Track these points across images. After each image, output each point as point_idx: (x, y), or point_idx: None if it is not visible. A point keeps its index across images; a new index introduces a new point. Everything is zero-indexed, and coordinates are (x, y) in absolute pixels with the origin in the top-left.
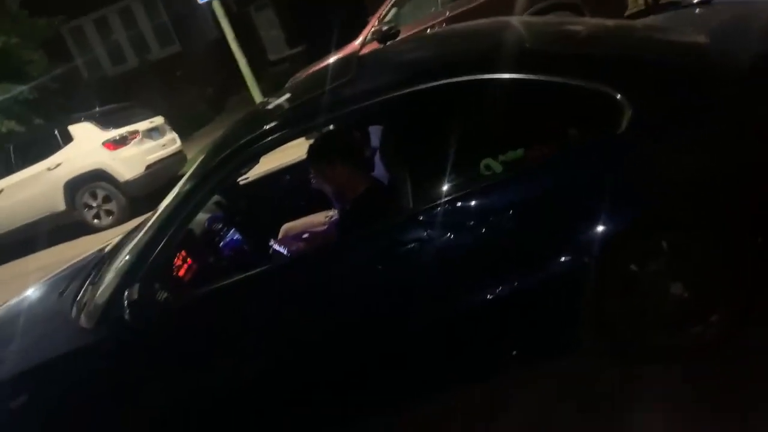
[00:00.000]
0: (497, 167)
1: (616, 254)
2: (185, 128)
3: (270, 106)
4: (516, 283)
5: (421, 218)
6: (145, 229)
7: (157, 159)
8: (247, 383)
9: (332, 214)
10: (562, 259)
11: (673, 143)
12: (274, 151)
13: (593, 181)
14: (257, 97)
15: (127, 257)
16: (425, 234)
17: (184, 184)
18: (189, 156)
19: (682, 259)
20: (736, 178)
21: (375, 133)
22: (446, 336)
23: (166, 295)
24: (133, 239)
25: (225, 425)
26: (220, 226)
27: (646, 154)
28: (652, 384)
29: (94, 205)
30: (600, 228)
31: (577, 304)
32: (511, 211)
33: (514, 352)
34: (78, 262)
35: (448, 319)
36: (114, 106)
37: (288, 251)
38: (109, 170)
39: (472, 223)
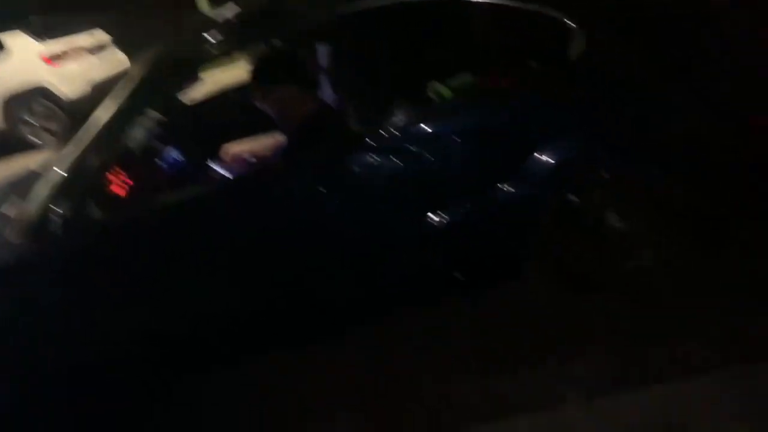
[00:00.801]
0: (446, 92)
1: (559, 183)
2: (132, 47)
3: (214, 19)
4: (461, 210)
5: (367, 142)
6: (78, 143)
7: (101, 78)
8: (180, 304)
9: (278, 137)
10: (507, 187)
11: (623, 74)
12: (219, 69)
13: (542, 110)
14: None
15: (59, 172)
16: (371, 158)
17: (120, 97)
18: None
19: (623, 191)
20: (681, 112)
21: (322, 52)
22: (391, 262)
23: (99, 212)
24: (65, 154)
25: (155, 345)
26: (160, 143)
27: (595, 84)
28: (588, 312)
29: (34, 123)
30: (544, 157)
31: (520, 233)
32: (458, 138)
33: (457, 276)
34: (10, 177)
35: (394, 245)
36: (52, 16)
37: (230, 173)
38: (51, 87)
39: (419, 147)
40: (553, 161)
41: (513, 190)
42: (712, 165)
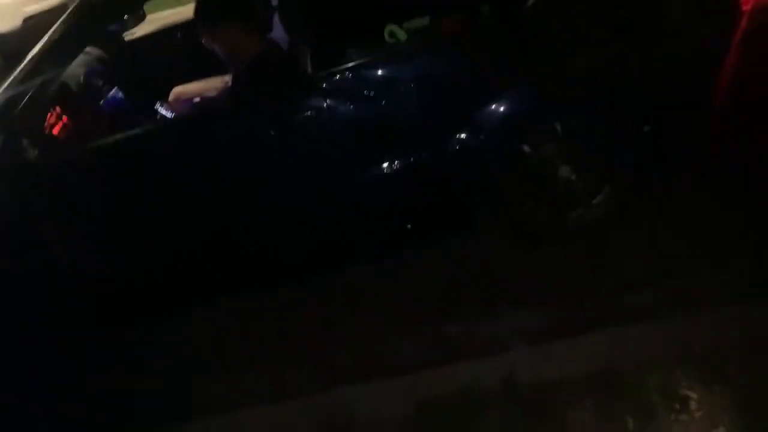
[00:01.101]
0: (401, 35)
1: (511, 134)
2: None
3: None
4: (412, 158)
5: (319, 84)
6: (11, 79)
7: (36, 11)
8: (114, 248)
9: (228, 79)
10: (460, 135)
11: (575, 23)
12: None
13: (496, 58)
14: None
15: None
16: (323, 101)
17: (56, 30)
18: None
19: (574, 143)
20: (632, 64)
21: None
22: (338, 210)
23: (35, 152)
24: None
25: (84, 290)
26: (101, 83)
27: (547, 34)
28: (535, 263)
29: None
30: (498, 107)
31: (472, 183)
32: (411, 83)
33: (408, 227)
34: None
35: (342, 192)
36: None
37: (174, 114)
38: None
39: (371, 92)
40: (507, 112)
41: (466, 139)
42: (663, 114)
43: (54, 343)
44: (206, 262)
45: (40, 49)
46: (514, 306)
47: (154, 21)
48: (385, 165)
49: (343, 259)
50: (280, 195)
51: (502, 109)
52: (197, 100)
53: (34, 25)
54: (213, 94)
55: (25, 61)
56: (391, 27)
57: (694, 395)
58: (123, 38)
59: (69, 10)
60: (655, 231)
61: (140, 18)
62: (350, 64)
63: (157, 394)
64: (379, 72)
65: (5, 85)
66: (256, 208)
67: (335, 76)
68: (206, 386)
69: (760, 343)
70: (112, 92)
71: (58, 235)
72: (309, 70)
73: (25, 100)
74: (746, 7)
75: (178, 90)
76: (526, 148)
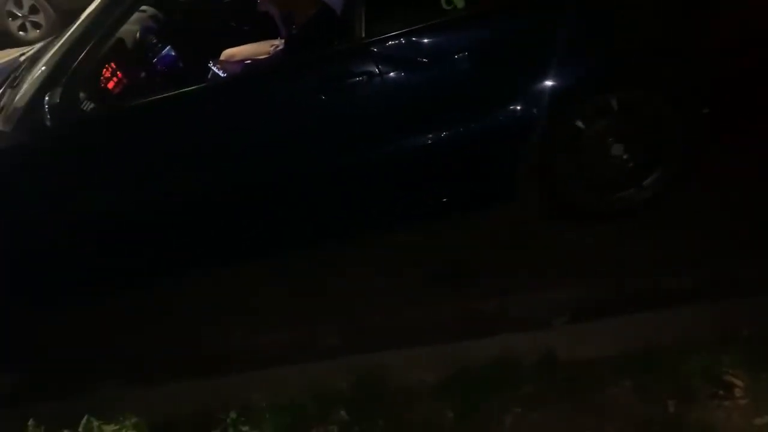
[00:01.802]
0: (459, 2)
1: (566, 108)
2: None
3: None
4: (462, 128)
5: (373, 49)
6: (69, 34)
7: None
8: (168, 205)
9: (278, 43)
10: (512, 107)
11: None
12: None
13: (556, 30)
14: None
15: (50, 62)
16: (375, 67)
17: None
18: None
19: (629, 121)
20: (695, 46)
21: None
22: (386, 174)
23: (92, 105)
24: (55, 45)
25: (135, 236)
26: (155, 41)
27: (610, 6)
28: (576, 239)
29: (20, 15)
30: (553, 79)
31: (520, 156)
32: (466, 52)
33: (447, 198)
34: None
35: (390, 158)
36: None
37: (226, 75)
38: None
39: (425, 59)
40: (562, 84)
41: (518, 111)
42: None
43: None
44: (255, 221)
45: (98, 6)
46: (554, 282)
47: None
48: (434, 134)
49: (388, 223)
50: (329, 157)
51: (557, 81)
52: (248, 62)
53: None
54: (264, 56)
55: (83, 16)
56: None
57: (739, 382)
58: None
59: None
60: (703, 213)
61: None
62: (404, 30)
63: (195, 348)
64: (433, 39)
65: (64, 39)
66: (304, 168)
67: (389, 41)
68: (245, 340)
69: None
70: (165, 50)
71: (109, 186)
72: (363, 34)
73: (82, 54)
74: None
75: (228, 52)
76: (580, 123)
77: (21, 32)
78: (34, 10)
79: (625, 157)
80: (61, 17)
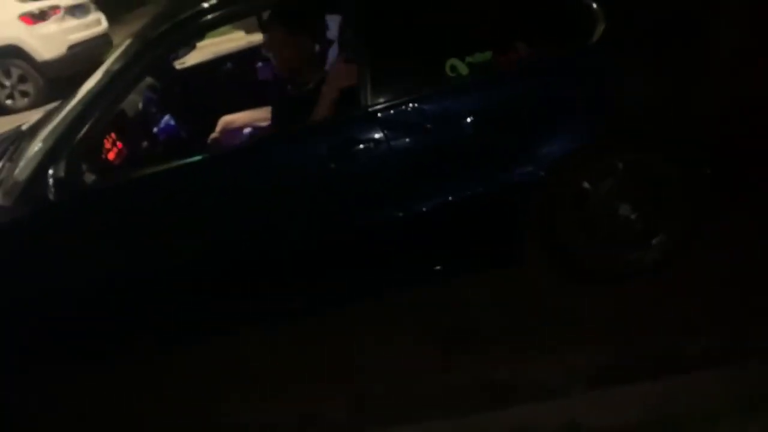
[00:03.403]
0: (463, 69)
1: (572, 170)
2: (113, 9)
3: None
4: (468, 193)
5: (378, 116)
6: (72, 105)
7: (79, 40)
8: (172, 274)
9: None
10: (518, 170)
11: (642, 63)
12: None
13: (558, 93)
14: None
15: (52, 134)
16: (380, 133)
17: (116, 60)
18: (115, 41)
19: (635, 182)
20: (697, 107)
21: (333, 22)
22: (391, 239)
23: (93, 176)
24: (57, 116)
25: (144, 312)
26: (155, 110)
27: (613, 71)
28: (586, 303)
29: (8, 84)
30: (559, 142)
31: (527, 218)
32: (471, 117)
33: (454, 263)
34: None
35: (398, 223)
36: None
37: (226, 143)
38: (26, 47)
39: (430, 125)
40: (567, 146)
41: (524, 174)
42: (725, 157)
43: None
44: (260, 291)
45: (102, 78)
46: (567, 348)
47: (202, 48)
48: (441, 198)
49: (394, 288)
50: (337, 224)
51: (563, 143)
52: (248, 130)
53: (78, 53)
54: (263, 123)
55: (85, 87)
56: (453, 61)
57: None
58: (174, 67)
59: (129, 41)
60: (715, 275)
61: (191, 47)
62: (408, 97)
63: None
64: (438, 105)
65: (66, 110)
66: (309, 235)
67: (394, 108)
68: (243, 416)
69: None
70: (165, 119)
71: (113, 258)
72: (367, 102)
73: (87, 126)
74: None
75: (227, 119)
76: (586, 185)
77: (9, 101)
78: (22, 79)
79: (632, 217)
80: (48, 85)
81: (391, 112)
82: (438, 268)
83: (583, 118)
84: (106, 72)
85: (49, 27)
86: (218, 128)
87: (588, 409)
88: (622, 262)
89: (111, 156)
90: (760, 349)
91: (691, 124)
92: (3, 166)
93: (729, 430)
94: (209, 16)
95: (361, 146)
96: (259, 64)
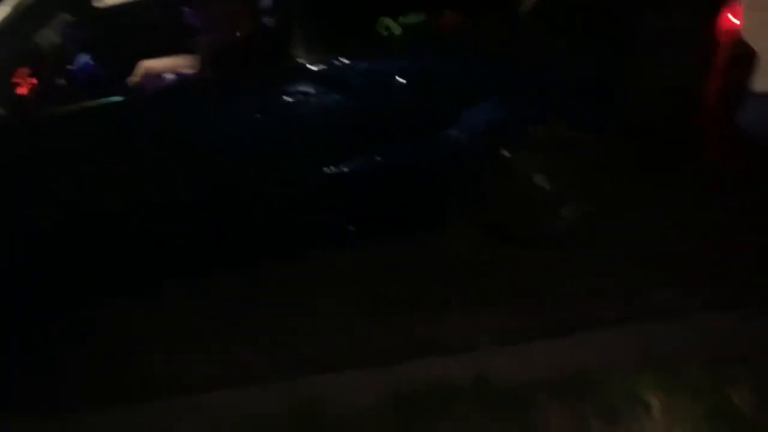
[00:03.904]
0: (396, 29)
1: (494, 138)
2: None
3: None
4: (394, 153)
5: (308, 70)
6: None
7: None
8: (80, 216)
9: (197, 59)
10: (442, 134)
11: (568, 37)
12: None
13: (485, 62)
14: None
15: None
16: (310, 88)
17: None
18: None
19: (554, 153)
20: (619, 85)
21: None
22: (313, 198)
23: (2, 111)
24: None
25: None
26: (72, 49)
27: (539, 43)
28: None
29: None
30: (483, 110)
31: (448, 183)
32: (401, 78)
33: (375, 224)
34: None
35: (324, 180)
36: None
37: (145, 87)
38: None
39: (360, 83)
40: (491, 114)
41: (450, 138)
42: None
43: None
44: (166, 242)
45: (13, 11)
46: (484, 306)
47: None
48: (366, 157)
49: (314, 247)
50: (261, 176)
51: (487, 110)
52: (170, 76)
53: None
54: (187, 71)
55: None
56: (386, 21)
57: (657, 401)
58: (94, 5)
59: None
60: (624, 244)
61: None
62: (340, 54)
63: (117, 373)
64: (369, 64)
65: None
66: (235, 186)
67: (325, 64)
68: (170, 367)
69: (721, 354)
70: (83, 59)
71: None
72: (299, 55)
73: None
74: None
75: (147, 65)
76: (506, 153)
77: None
78: None
79: (548, 187)
80: None
81: (322, 67)
82: (359, 228)
83: (507, 88)
84: (17, 5)
85: None
86: (138, 72)
87: (499, 363)
88: (540, 230)
89: (23, 91)
90: (657, 311)
91: (612, 100)
92: None
93: (624, 383)
94: None
95: (290, 100)
96: (185, 8)
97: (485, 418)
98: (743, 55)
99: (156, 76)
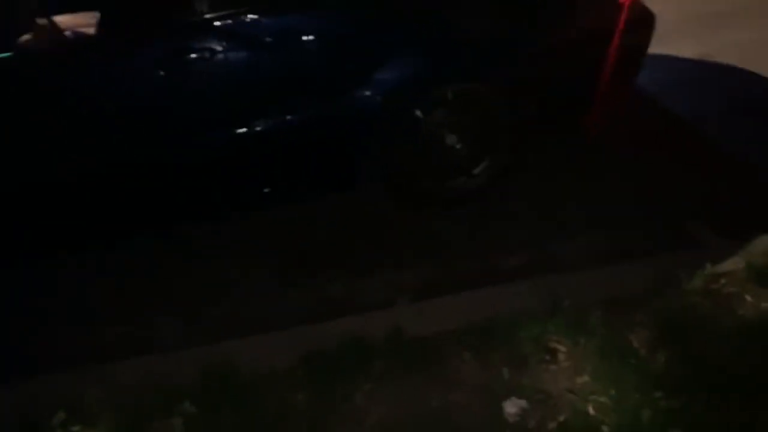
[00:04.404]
0: None
1: (406, 98)
2: None
3: None
4: (304, 113)
5: (214, 24)
6: None
7: None
8: None
9: (98, 16)
10: (356, 93)
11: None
12: None
13: (397, 22)
14: None
15: None
16: (216, 44)
17: None
18: None
19: (464, 112)
20: (526, 44)
21: None
22: (224, 159)
23: None
24: None
25: None
26: None
27: (453, 3)
28: (414, 224)
29: None
30: (395, 69)
31: (362, 143)
32: (310, 36)
33: (286, 186)
34: None
35: (230, 141)
36: None
37: (44, 44)
38: None
39: (270, 40)
40: (403, 74)
41: (361, 98)
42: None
43: None
44: (84, 206)
45: None
46: (396, 264)
47: None
48: (275, 118)
49: (224, 210)
50: (167, 137)
51: (399, 71)
52: (69, 33)
53: None
54: (87, 29)
55: None
56: None
57: (562, 347)
58: None
59: None
60: (530, 201)
61: None
62: (248, 8)
63: (25, 342)
64: (280, 20)
65: None
66: (141, 149)
67: (231, 18)
68: (78, 336)
69: (617, 301)
70: None
71: None
72: (204, 8)
73: None
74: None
75: (43, 21)
76: (418, 113)
77: None
78: None
79: (458, 146)
80: None
81: (229, 21)
82: (273, 191)
83: (419, 47)
84: None
85: None
86: (33, 29)
87: (412, 318)
88: (448, 188)
89: None
90: (558, 263)
91: (520, 59)
92: None
93: (531, 331)
94: None
95: (195, 56)
96: None
97: (400, 369)
98: (643, 18)
99: (56, 31)
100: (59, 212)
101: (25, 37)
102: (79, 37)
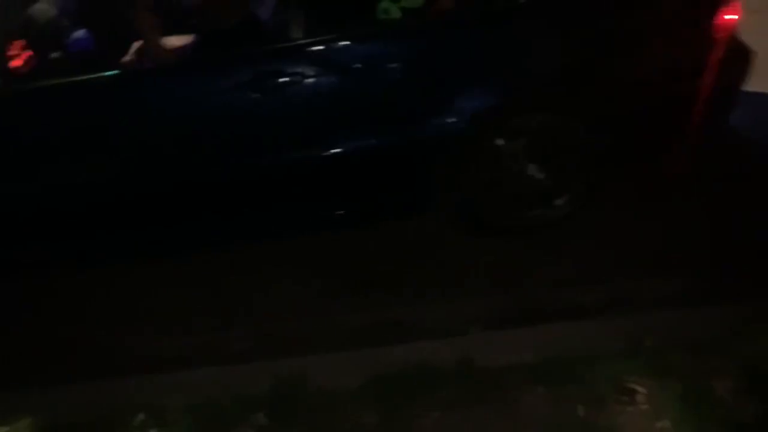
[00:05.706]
0: (395, 12)
1: (487, 126)
2: None
3: None
4: (387, 137)
5: (305, 50)
6: None
7: None
8: (72, 189)
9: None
10: (436, 120)
11: (563, 27)
12: None
13: (482, 49)
14: None
15: None
16: (306, 68)
17: None
18: None
19: (548, 142)
20: (609, 76)
21: None
22: (308, 179)
23: None
24: None
25: (34, 236)
26: (68, 22)
27: (536, 32)
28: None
29: None
30: (478, 97)
31: (439, 169)
32: (397, 63)
33: (363, 207)
34: None
35: (314, 162)
36: None
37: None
38: None
39: (356, 66)
40: (487, 101)
41: (443, 125)
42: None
43: None
44: (164, 219)
45: None
46: (467, 293)
47: None
48: (359, 140)
49: (306, 228)
50: (250, 156)
51: (481, 99)
52: (169, 54)
53: None
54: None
55: None
56: (386, 3)
57: (641, 389)
58: None
59: None
60: (609, 235)
61: None
62: (338, 35)
63: (101, 350)
64: (366, 47)
65: None
66: (222, 166)
67: (322, 44)
68: (153, 343)
69: (701, 344)
70: (79, 33)
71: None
72: (297, 35)
73: None
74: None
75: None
76: (500, 141)
77: None
78: None
79: (540, 177)
80: None
81: (320, 47)
82: (345, 212)
83: (503, 75)
84: None
85: None
86: (132, 50)
87: (482, 348)
88: (528, 219)
89: (18, 63)
90: (638, 301)
91: (607, 91)
92: None
93: (609, 370)
94: None
95: (287, 79)
96: None
97: (470, 399)
98: (739, 54)
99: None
100: (151, 220)
101: (128, 57)
102: (179, 58)
